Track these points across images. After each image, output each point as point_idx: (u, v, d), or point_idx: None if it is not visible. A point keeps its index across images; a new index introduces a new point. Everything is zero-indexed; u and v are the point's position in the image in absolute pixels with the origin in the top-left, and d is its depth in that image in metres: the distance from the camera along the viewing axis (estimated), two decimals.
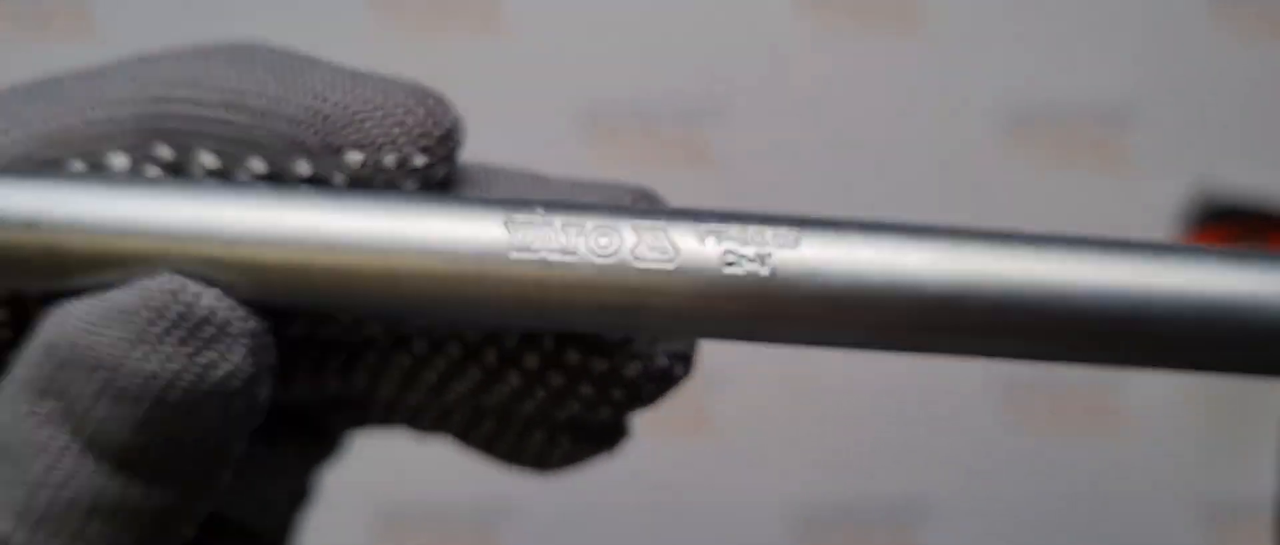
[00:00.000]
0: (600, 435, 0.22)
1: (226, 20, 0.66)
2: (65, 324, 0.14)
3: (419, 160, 0.17)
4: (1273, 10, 0.67)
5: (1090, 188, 0.67)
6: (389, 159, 0.16)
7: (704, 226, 0.16)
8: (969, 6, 0.67)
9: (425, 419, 0.22)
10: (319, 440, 0.22)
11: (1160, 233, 0.67)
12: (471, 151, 0.70)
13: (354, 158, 0.16)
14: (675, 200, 0.66)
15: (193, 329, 0.14)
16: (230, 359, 0.14)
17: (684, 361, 0.19)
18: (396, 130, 0.17)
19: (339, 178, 0.16)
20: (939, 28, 0.67)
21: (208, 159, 0.15)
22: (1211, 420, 0.68)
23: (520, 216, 0.16)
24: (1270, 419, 0.68)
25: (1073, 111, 0.67)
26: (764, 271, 0.15)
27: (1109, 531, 0.68)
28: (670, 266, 0.15)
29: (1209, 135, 0.67)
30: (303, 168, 0.15)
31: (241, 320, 0.14)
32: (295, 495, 0.23)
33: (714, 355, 0.68)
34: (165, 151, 0.15)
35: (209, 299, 0.14)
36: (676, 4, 0.67)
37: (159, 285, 0.14)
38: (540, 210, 0.16)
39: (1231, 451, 0.68)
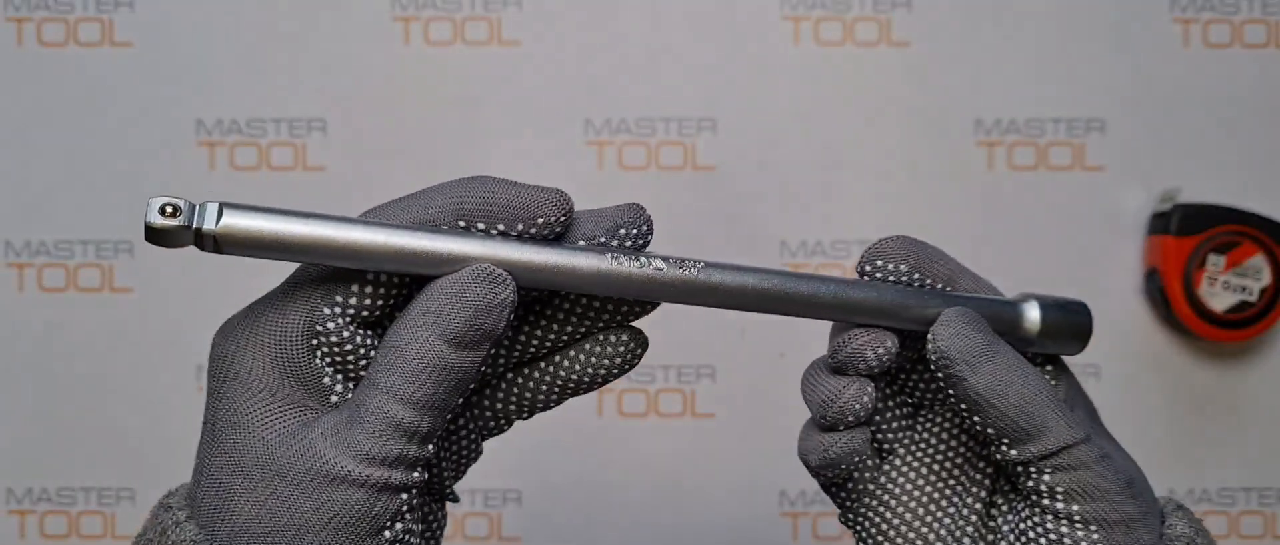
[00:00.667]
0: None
1: (260, 49, 0.68)
2: (440, 283, 0.31)
3: (561, 223, 0.32)
4: (1235, 22, 0.68)
5: (1063, 195, 0.68)
6: (543, 223, 0.32)
7: (672, 260, 0.33)
8: (949, 25, 0.68)
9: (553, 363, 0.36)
10: (495, 417, 0.36)
11: (1129, 234, 0.68)
12: (490, 151, 0.73)
13: (535, 222, 0.32)
14: (674, 201, 0.70)
15: (493, 280, 0.30)
16: (506, 291, 0.31)
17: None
18: (549, 209, 0.32)
19: (529, 232, 0.32)
20: (921, 46, 0.68)
21: (480, 225, 0.32)
22: (1175, 417, 0.69)
23: (609, 255, 0.33)
24: (1228, 418, 0.70)
25: (1047, 122, 0.68)
26: (694, 273, 0.33)
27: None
28: (657, 274, 0.33)
29: (1178, 144, 0.68)
30: (513, 228, 0.32)
31: (507, 280, 0.31)
32: (473, 456, 0.37)
33: (706, 351, 0.69)
34: (462, 222, 0.32)
35: (498, 271, 0.31)
36: (673, 23, 0.68)
37: (477, 265, 0.31)
38: (611, 255, 0.33)
39: (1195, 445, 0.69)
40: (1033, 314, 0.37)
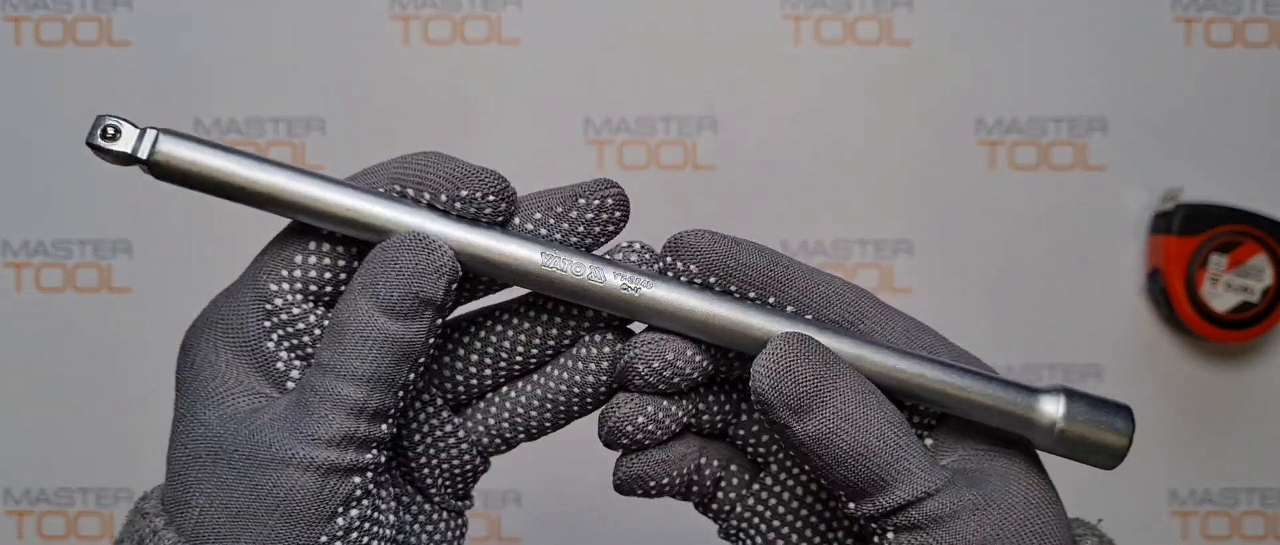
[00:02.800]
0: None
1: (258, 48, 0.68)
2: (373, 251, 0.30)
3: (489, 202, 0.31)
4: (1237, 22, 0.68)
5: (1065, 195, 0.68)
6: (466, 196, 0.31)
7: (622, 270, 0.31)
8: (950, 25, 0.68)
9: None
10: (492, 435, 0.35)
11: (1131, 234, 0.69)
12: (490, 150, 0.74)
13: (459, 195, 0.31)
14: (673, 202, 0.70)
15: (426, 245, 0.29)
16: (440, 256, 0.30)
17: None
18: (476, 184, 0.31)
19: (455, 206, 0.31)
20: (922, 45, 0.68)
21: (411, 192, 0.31)
22: (1178, 417, 0.69)
23: (547, 250, 0.31)
24: (1231, 418, 0.70)
25: (1048, 122, 0.68)
26: (636, 292, 0.31)
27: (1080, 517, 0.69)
28: (595, 282, 0.31)
29: (1180, 143, 0.68)
30: (438, 199, 0.31)
31: (442, 247, 0.30)
32: (473, 467, 0.35)
33: None
34: (397, 187, 0.31)
35: (431, 237, 0.30)
36: (674, 22, 0.68)
37: (408, 231, 0.30)
38: (544, 249, 0.31)
39: (1197, 445, 0.69)
40: (1052, 409, 0.31)
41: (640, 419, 0.32)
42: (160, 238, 0.68)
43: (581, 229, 0.31)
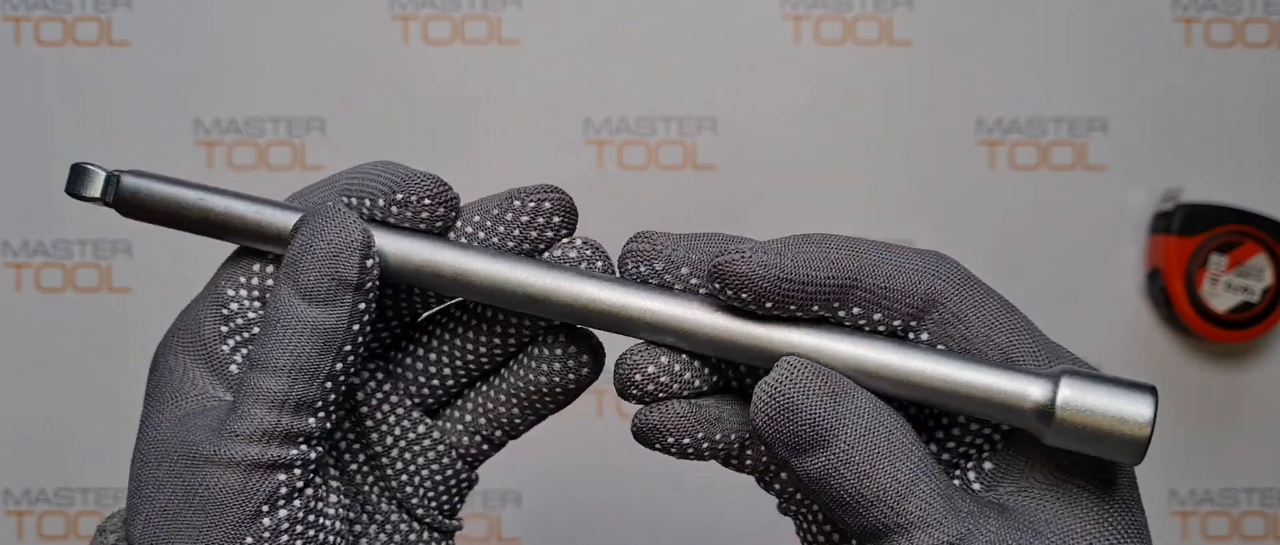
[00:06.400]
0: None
1: (258, 48, 0.68)
2: (292, 241, 0.29)
3: (424, 205, 0.30)
4: (1237, 22, 0.68)
5: (1065, 195, 0.68)
6: (402, 199, 0.30)
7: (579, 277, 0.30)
8: (950, 25, 0.68)
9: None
10: (470, 435, 0.34)
11: (1131, 234, 0.68)
12: (490, 150, 0.73)
13: (395, 199, 0.30)
14: (674, 201, 0.70)
15: (340, 225, 0.29)
16: (354, 233, 0.29)
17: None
18: (411, 187, 0.30)
19: (392, 210, 0.30)
20: (922, 45, 0.68)
21: (353, 200, 0.31)
22: (1178, 418, 0.69)
23: (487, 258, 0.30)
24: (1231, 419, 0.70)
25: (1048, 122, 0.68)
26: (593, 302, 0.30)
27: None
28: (543, 292, 0.30)
29: (1180, 143, 0.68)
30: (377, 205, 0.30)
31: (357, 224, 0.29)
32: (457, 481, 0.34)
33: None
34: (345, 199, 0.31)
35: (346, 215, 0.30)
36: (674, 22, 0.68)
37: (318, 210, 0.30)
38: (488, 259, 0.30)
39: (1197, 446, 0.69)
40: (1042, 393, 0.27)
41: (651, 369, 0.29)
42: (160, 238, 0.68)
43: (517, 233, 0.30)
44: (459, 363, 0.32)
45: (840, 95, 0.68)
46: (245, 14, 0.68)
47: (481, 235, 0.30)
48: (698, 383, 0.29)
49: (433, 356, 0.33)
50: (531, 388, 0.32)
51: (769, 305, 0.28)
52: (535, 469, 0.68)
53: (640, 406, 0.29)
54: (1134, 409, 0.26)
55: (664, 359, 0.29)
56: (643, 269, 0.30)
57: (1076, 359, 0.28)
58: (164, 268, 0.68)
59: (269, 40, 0.68)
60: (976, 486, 0.29)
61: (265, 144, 0.68)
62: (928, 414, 0.30)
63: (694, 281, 0.29)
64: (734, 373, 0.30)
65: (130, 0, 0.68)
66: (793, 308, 0.28)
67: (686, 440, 0.29)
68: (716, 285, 0.28)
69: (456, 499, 0.34)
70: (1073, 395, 0.26)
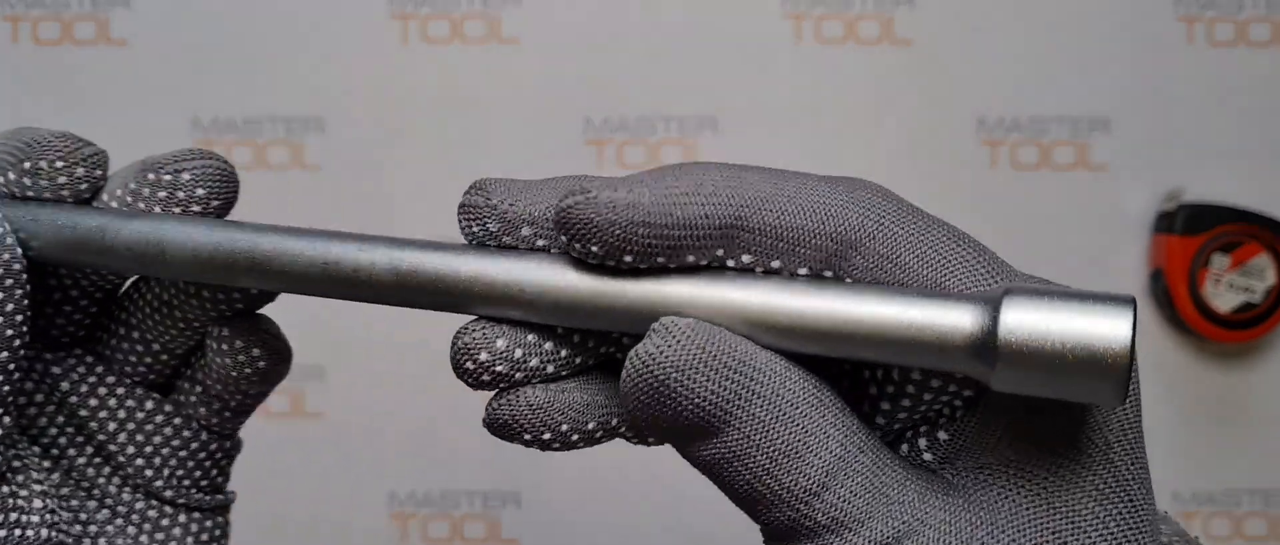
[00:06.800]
0: None
1: (257, 47, 0.67)
2: None
3: (57, 170, 0.27)
4: (1241, 21, 0.68)
5: (1067, 194, 0.68)
6: (31, 167, 0.27)
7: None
8: (951, 23, 0.68)
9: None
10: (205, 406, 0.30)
11: (1134, 234, 0.69)
12: (488, 150, 0.73)
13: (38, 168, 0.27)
14: None
15: None
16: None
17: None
18: (58, 155, 0.27)
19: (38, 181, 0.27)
20: (923, 44, 0.68)
21: None
22: (1180, 418, 0.69)
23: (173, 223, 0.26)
24: (1233, 420, 0.70)
25: (1050, 121, 0.68)
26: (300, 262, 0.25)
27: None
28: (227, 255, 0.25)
29: (1182, 143, 0.68)
30: (10, 176, 0.27)
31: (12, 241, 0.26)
32: (213, 454, 0.30)
33: None
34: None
35: None
36: (674, 21, 0.68)
37: None
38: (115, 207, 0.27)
39: (1199, 447, 0.69)
40: (974, 321, 0.20)
41: (484, 356, 0.23)
42: None
43: (157, 209, 0.26)
44: (164, 339, 0.29)
45: (841, 94, 0.68)
46: (243, 12, 0.67)
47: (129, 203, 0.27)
48: (551, 367, 0.23)
49: (136, 335, 0.29)
50: (225, 376, 0.28)
51: (629, 258, 0.22)
52: (535, 469, 0.68)
53: (492, 398, 0.24)
54: (1104, 327, 0.19)
55: (501, 342, 0.23)
56: (476, 229, 0.24)
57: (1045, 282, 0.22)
58: None
59: (267, 39, 0.67)
60: (928, 456, 0.23)
61: (263, 143, 0.67)
62: (869, 369, 0.24)
63: (541, 241, 0.23)
64: (611, 343, 0.24)
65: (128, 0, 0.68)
66: (660, 259, 0.22)
67: (547, 435, 0.24)
68: (563, 238, 0.22)
69: (214, 472, 0.30)
70: (1019, 318, 0.19)
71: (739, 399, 0.21)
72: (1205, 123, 0.68)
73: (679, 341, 0.21)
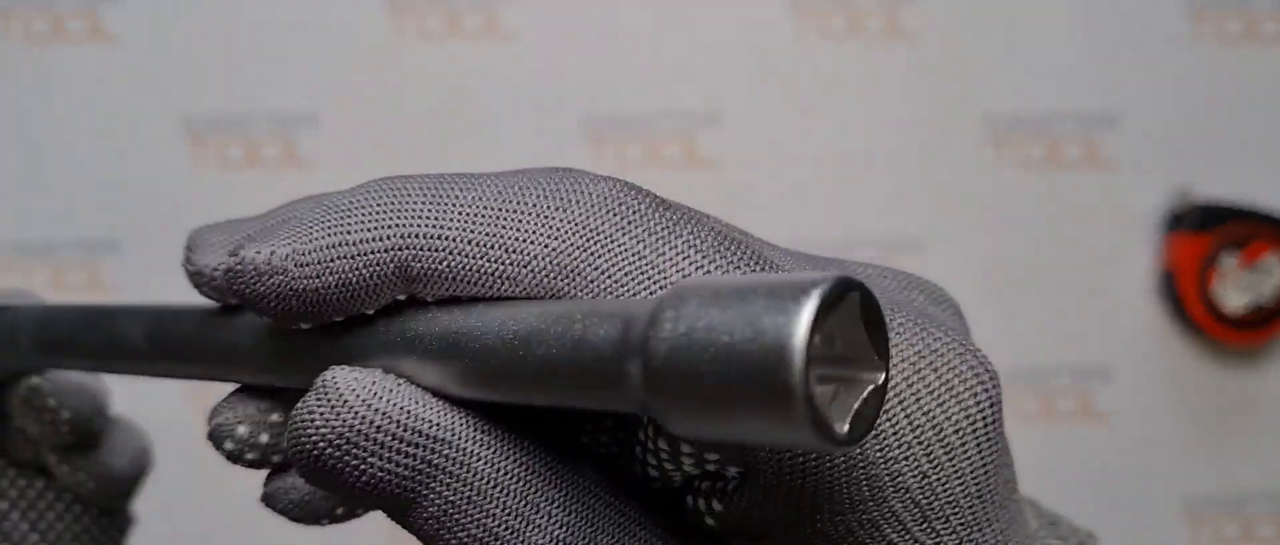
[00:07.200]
0: None
1: (250, 42, 0.67)
2: None
3: None
4: (1251, 17, 0.68)
5: (1075, 192, 0.68)
6: None
7: None
8: (957, 19, 0.68)
9: None
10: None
11: (1143, 232, 0.68)
12: (485, 147, 0.72)
13: None
14: (674, 198, 0.68)
15: None
16: None
17: None
18: None
19: None
20: (929, 39, 0.68)
21: None
22: (1190, 420, 0.69)
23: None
24: (1243, 422, 0.70)
25: (1058, 118, 0.68)
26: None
27: (1093, 523, 0.69)
28: None
29: (1191, 140, 0.68)
30: None
31: None
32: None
33: None
34: None
35: None
36: (674, 16, 0.68)
37: None
38: None
39: (1208, 450, 0.69)
40: (608, 330, 0.15)
41: (230, 446, 0.20)
42: (146, 238, 0.67)
43: None
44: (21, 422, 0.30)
45: (845, 90, 0.67)
46: (236, 6, 0.67)
47: None
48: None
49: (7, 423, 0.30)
50: (37, 435, 0.30)
51: (305, 325, 0.18)
52: None
53: (267, 478, 0.21)
54: (767, 325, 0.12)
55: (242, 430, 0.20)
56: (204, 291, 0.21)
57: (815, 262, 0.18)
58: (154, 269, 0.67)
59: (260, 34, 0.67)
60: (710, 522, 0.18)
61: (256, 140, 0.67)
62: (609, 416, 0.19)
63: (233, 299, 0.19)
64: None
65: None
66: (337, 318, 0.18)
67: (326, 520, 0.21)
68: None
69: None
70: (672, 326, 0.13)
71: (420, 477, 0.17)
72: (1213, 120, 0.68)
73: (335, 406, 0.17)
